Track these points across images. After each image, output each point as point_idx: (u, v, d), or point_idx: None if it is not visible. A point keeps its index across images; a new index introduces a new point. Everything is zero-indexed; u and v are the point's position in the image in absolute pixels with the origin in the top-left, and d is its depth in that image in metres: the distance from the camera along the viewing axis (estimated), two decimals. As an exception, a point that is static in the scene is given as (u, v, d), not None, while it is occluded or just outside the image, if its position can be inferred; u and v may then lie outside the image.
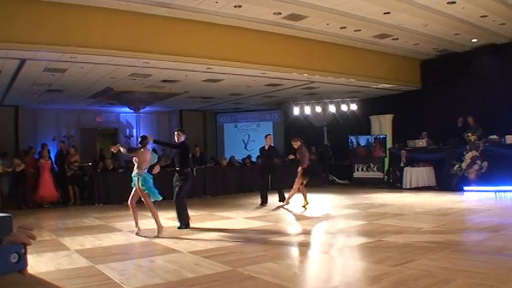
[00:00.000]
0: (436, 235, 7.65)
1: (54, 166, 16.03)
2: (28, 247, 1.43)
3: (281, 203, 13.13)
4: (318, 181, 17.50)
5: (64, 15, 10.51)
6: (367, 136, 19.86)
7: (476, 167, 14.33)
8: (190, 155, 10.24)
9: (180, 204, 9.50)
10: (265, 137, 14.41)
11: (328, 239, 8.28)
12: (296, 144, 12.91)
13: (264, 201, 13.50)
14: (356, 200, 13.66)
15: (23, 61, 11.75)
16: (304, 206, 12.35)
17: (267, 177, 14.17)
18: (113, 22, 11.15)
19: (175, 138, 9.93)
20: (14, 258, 1.37)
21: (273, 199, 13.53)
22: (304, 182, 12.74)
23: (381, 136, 19.54)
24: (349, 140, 19.96)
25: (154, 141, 9.95)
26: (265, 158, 14.22)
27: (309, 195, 12.61)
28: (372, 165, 19.21)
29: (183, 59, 12.42)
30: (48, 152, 15.55)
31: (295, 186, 12.71)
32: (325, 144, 21.26)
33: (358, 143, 19.87)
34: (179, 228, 9.40)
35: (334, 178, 20.72)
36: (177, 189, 9.57)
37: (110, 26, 11.10)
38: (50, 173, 14.78)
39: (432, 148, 16.57)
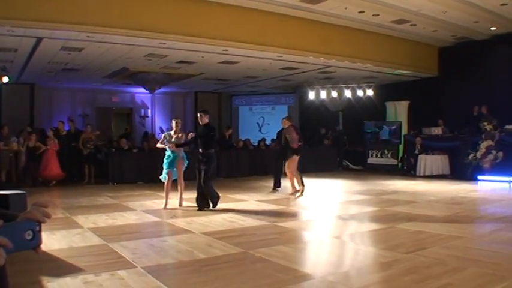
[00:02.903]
0: (449, 224, 7.63)
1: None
2: (42, 224, 1.44)
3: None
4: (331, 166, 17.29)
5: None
6: (382, 122, 19.76)
7: (491, 156, 14.20)
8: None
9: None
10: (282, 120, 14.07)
11: (340, 224, 8.27)
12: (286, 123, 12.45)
13: (277, 185, 13.28)
14: (369, 186, 13.62)
15: (39, 39, 11.77)
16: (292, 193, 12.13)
17: (281, 161, 13.52)
18: (131, 2, 11.13)
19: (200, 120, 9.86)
20: (28, 235, 1.38)
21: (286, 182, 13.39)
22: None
23: (396, 123, 19.45)
24: (364, 126, 19.87)
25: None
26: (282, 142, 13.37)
27: (322, 180, 12.49)
28: (386, 152, 19.13)
29: (199, 40, 12.35)
30: (58, 131, 15.53)
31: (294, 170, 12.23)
32: (339, 129, 21.21)
33: (373, 128, 19.77)
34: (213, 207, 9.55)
35: (348, 163, 20.66)
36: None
37: (127, 5, 11.07)
38: (54, 153, 14.78)
39: (447, 136, 16.44)
